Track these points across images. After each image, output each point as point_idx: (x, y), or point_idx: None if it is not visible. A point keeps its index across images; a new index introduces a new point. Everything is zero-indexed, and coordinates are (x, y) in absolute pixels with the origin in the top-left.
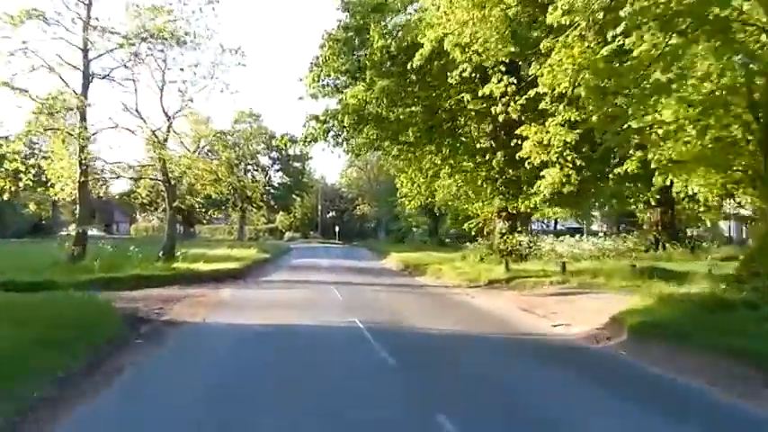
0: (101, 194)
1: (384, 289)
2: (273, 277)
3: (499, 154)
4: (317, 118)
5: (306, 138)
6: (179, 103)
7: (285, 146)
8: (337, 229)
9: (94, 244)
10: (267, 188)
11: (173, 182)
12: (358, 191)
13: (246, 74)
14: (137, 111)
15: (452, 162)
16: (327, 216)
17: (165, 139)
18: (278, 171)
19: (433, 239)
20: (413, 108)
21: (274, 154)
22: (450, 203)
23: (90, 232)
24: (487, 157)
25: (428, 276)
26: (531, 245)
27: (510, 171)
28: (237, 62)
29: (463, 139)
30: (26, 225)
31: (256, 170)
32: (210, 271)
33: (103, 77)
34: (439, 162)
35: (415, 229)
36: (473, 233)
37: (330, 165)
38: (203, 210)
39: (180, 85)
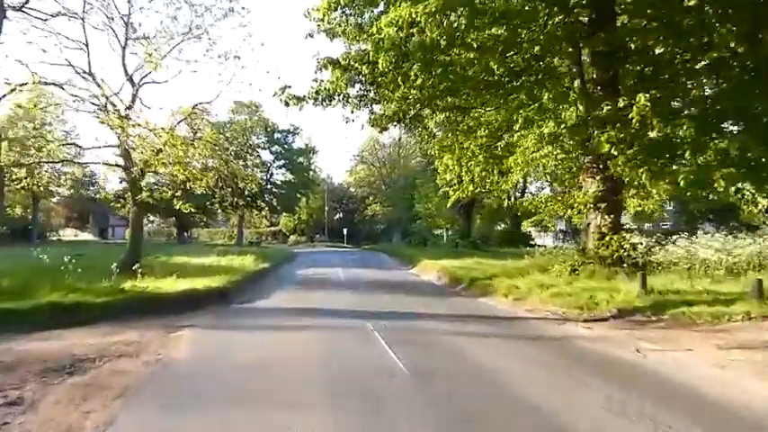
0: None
1: (456, 329)
2: (271, 300)
3: (642, 98)
4: (336, 63)
5: (318, 93)
6: (150, 61)
7: (287, 103)
8: (345, 231)
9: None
10: (269, 186)
11: (137, 169)
12: (369, 189)
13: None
14: (88, 73)
15: (551, 124)
16: (334, 218)
17: (127, 116)
18: (280, 168)
19: (465, 242)
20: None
21: (276, 148)
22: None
23: (82, 236)
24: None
25: (498, 297)
26: (652, 249)
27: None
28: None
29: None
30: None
31: (256, 166)
32: (181, 292)
33: (20, 8)
34: (525, 124)
35: (438, 231)
36: (533, 233)
37: (336, 163)
38: (187, 207)
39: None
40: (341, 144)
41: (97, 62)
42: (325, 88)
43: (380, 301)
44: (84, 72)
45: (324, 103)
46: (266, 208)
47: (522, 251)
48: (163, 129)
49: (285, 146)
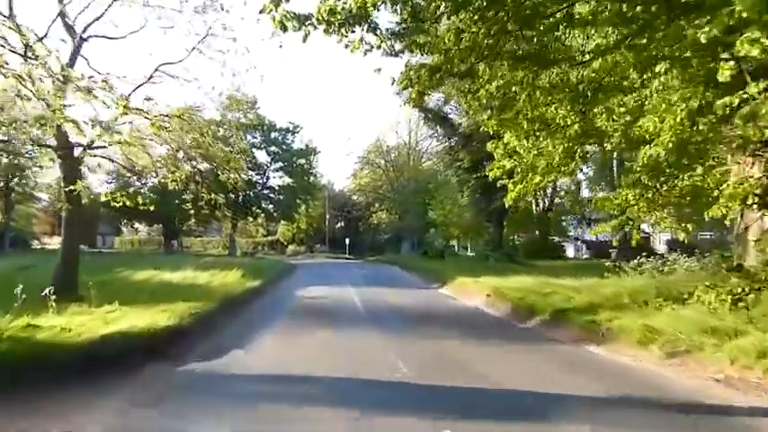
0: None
1: None
2: (251, 354)
3: None
4: None
5: (333, 12)
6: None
7: (283, 26)
8: (348, 241)
9: None
10: (265, 191)
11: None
12: (375, 194)
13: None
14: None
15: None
16: (335, 227)
17: (65, 77)
18: (277, 171)
19: (497, 254)
20: None
21: (273, 149)
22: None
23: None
24: None
25: (629, 348)
26: None
27: None
28: None
29: None
30: None
31: (251, 168)
32: (98, 340)
33: None
34: None
35: (452, 242)
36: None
37: (338, 168)
38: (144, 203)
39: None
40: (343, 147)
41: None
42: (345, 6)
43: (434, 354)
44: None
45: (340, 31)
46: (262, 215)
47: (568, 264)
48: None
49: (283, 146)
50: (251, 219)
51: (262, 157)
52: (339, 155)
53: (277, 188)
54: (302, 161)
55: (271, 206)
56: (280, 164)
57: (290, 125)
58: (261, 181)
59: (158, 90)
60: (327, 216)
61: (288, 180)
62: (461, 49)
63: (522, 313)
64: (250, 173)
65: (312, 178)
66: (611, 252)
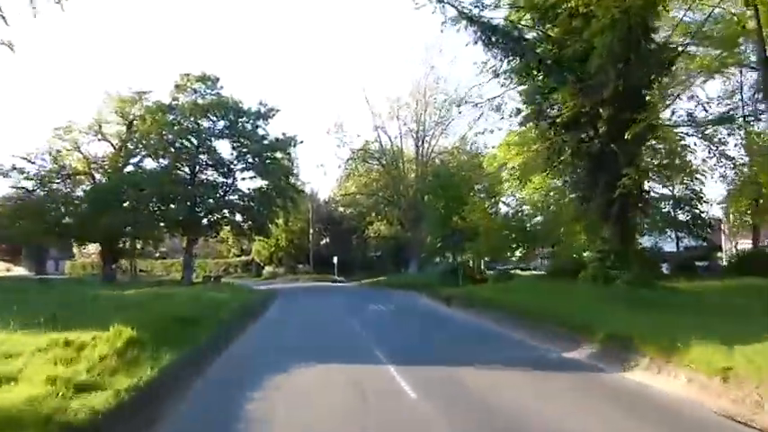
0: None
1: None
2: None
3: None
4: None
5: None
6: None
7: None
8: (336, 260)
9: None
10: (229, 198)
11: None
12: (371, 200)
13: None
14: None
15: None
16: (320, 243)
17: None
18: (247, 169)
19: (626, 274)
20: None
21: (244, 141)
22: None
23: (17, 271)
24: None
25: None
26: None
27: None
28: None
29: None
30: None
31: (211, 165)
32: None
33: None
34: None
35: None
36: None
37: (322, 176)
38: None
39: None
40: (329, 148)
41: None
42: None
43: None
44: None
45: None
46: (227, 228)
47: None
48: None
49: (253, 136)
50: (214, 234)
51: (225, 150)
52: (325, 158)
53: (247, 192)
54: (278, 155)
55: (239, 217)
56: (249, 160)
57: (262, 107)
58: (225, 183)
59: None
60: (312, 231)
61: (261, 182)
62: None
63: None
64: (209, 173)
65: (292, 178)
66: (701, 265)
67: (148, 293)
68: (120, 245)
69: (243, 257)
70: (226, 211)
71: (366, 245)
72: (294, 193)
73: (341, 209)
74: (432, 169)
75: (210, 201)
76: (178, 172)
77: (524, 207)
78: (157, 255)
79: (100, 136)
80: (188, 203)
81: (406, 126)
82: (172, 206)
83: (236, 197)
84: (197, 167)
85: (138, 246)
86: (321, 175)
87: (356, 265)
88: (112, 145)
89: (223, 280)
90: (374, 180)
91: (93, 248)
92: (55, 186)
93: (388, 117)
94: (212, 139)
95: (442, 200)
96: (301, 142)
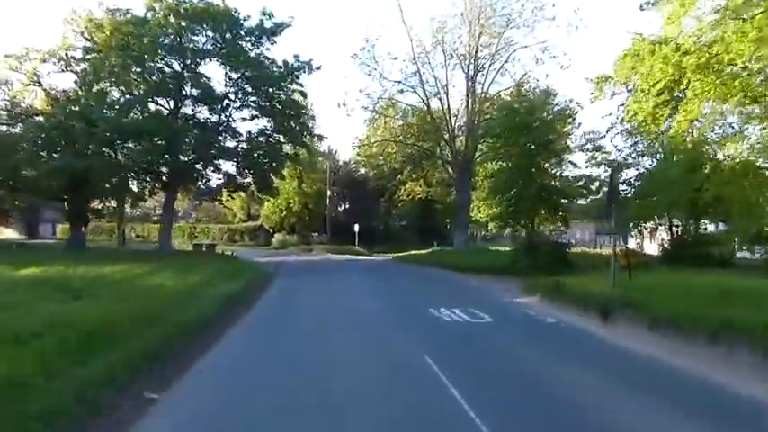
0: None
1: None
2: None
3: None
4: None
5: None
6: None
7: None
8: (357, 229)
9: None
10: (224, 139)
11: None
12: (406, 155)
13: None
14: None
15: None
16: (339, 210)
17: None
18: (246, 105)
19: None
20: None
21: (241, 66)
22: None
23: (8, 234)
24: None
25: None
26: None
27: None
28: None
29: None
30: None
31: (201, 100)
32: None
33: None
34: None
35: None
36: None
37: (340, 130)
38: None
39: None
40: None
41: None
42: None
43: None
44: None
45: None
46: (221, 178)
47: None
48: None
49: (254, 60)
50: (200, 183)
51: (217, 76)
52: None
53: (246, 136)
54: (288, 86)
55: (234, 165)
56: (248, 90)
57: (267, 20)
58: (218, 123)
59: None
60: (329, 194)
61: (265, 122)
62: None
63: None
64: (198, 109)
65: (306, 119)
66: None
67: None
68: (92, 204)
69: (250, 223)
70: (220, 160)
71: (389, 212)
72: (307, 136)
73: (362, 170)
74: (502, 104)
75: (196, 143)
76: (154, 106)
77: None
78: (155, 218)
79: (64, 65)
80: (166, 147)
81: (453, 57)
82: (140, 148)
83: (234, 142)
84: (180, 102)
85: (113, 204)
86: (340, 125)
87: (377, 236)
88: (76, 74)
89: (224, 249)
90: (411, 126)
91: None
92: (4, 128)
93: (432, 45)
94: (199, 61)
95: (514, 147)
96: (318, 68)
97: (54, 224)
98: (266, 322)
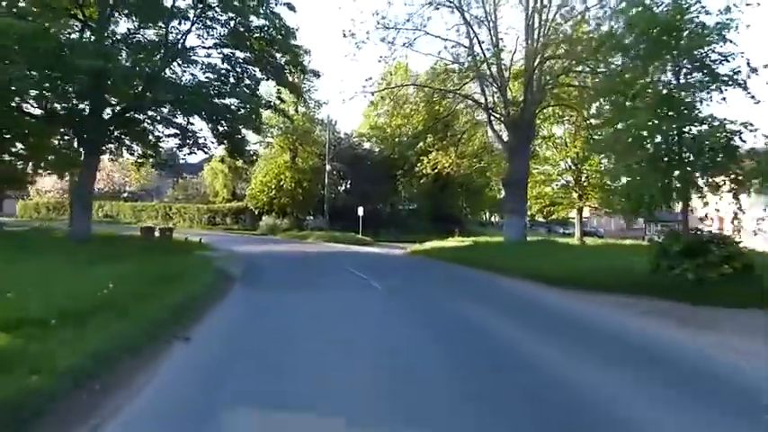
0: None
1: None
2: None
3: None
4: None
5: None
6: None
7: None
8: (361, 212)
9: None
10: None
11: None
12: (424, 122)
13: None
14: None
15: None
16: (339, 190)
17: None
18: (207, 26)
19: None
20: None
21: None
22: None
23: None
24: None
25: None
26: None
27: None
28: None
29: None
30: None
31: (135, 12)
32: None
33: None
34: None
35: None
36: None
37: (343, 106)
38: None
39: None
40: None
41: None
42: None
43: None
44: None
45: None
46: (162, 130)
47: None
48: None
49: None
50: (145, 141)
51: None
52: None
53: (206, 65)
54: (268, 24)
55: (182, 115)
56: (215, 14)
57: None
58: (157, 42)
59: None
60: (328, 169)
61: (237, 52)
62: None
63: None
64: (136, 26)
65: (295, 47)
66: None
67: None
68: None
69: (235, 203)
70: (168, 105)
71: (396, 192)
72: (296, 72)
73: (366, 145)
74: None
75: (129, 76)
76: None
77: None
78: (125, 195)
79: None
80: (85, 79)
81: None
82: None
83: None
84: (109, 11)
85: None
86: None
87: (383, 221)
88: None
89: (189, 235)
90: (445, 71)
91: (49, 184)
92: None
93: None
94: None
95: (655, 71)
96: None
97: (17, 197)
98: None
